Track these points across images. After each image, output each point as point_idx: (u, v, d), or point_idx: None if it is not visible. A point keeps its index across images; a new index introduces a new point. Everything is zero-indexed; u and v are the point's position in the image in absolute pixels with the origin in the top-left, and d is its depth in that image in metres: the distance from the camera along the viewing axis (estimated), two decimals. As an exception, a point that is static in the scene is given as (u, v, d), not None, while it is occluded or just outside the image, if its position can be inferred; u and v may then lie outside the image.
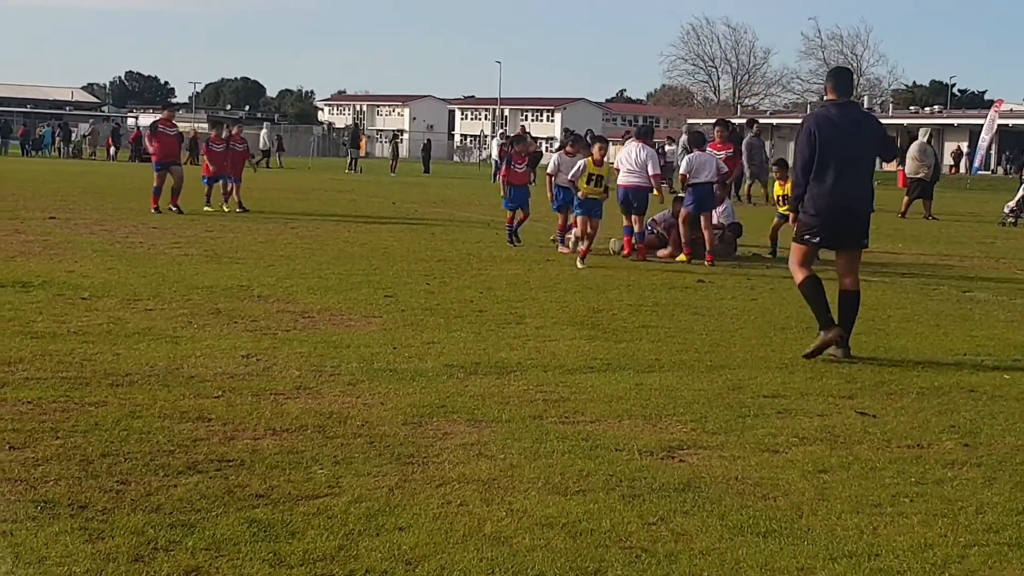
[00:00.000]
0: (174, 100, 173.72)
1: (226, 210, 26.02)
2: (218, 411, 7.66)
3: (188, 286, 13.37)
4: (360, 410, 7.87)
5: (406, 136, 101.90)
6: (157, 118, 27.55)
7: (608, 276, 15.89)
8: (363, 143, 71.10)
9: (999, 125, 65.26)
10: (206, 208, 26.02)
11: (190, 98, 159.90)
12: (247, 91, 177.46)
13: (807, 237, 10.69)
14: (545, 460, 6.82)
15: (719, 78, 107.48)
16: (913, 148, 30.73)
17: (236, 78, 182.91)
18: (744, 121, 43.15)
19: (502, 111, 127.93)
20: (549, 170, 19.62)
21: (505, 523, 5.70)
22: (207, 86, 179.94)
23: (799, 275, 10.77)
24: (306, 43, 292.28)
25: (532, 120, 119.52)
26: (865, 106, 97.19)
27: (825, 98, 11.12)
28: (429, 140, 79.70)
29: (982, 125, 62.20)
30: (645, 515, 5.89)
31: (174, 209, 24.77)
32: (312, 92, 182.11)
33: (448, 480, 6.37)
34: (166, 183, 25.10)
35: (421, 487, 6.24)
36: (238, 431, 7.22)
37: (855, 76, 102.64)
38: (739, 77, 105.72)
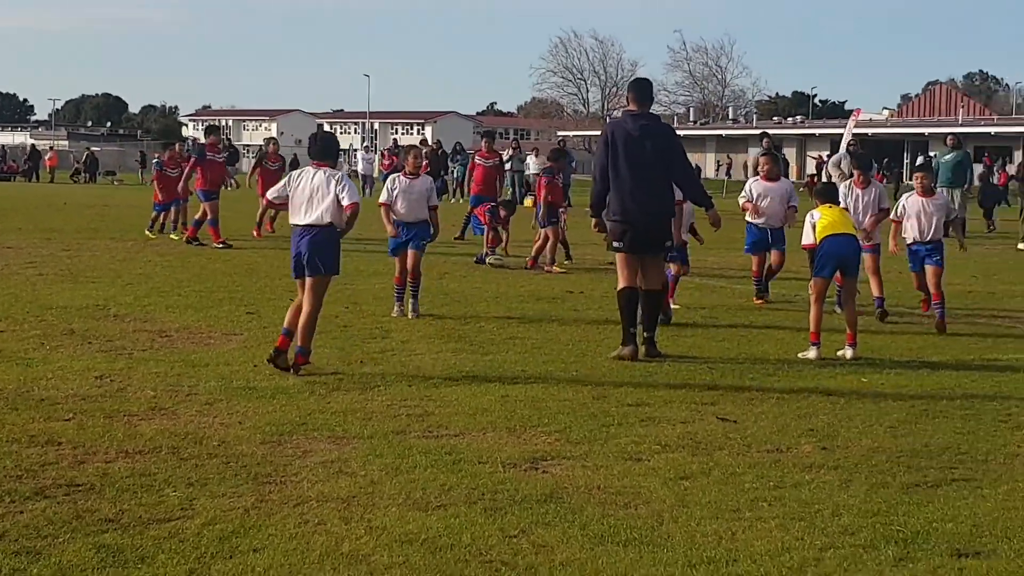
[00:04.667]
0: (33, 117, 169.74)
1: (174, 237, 23.40)
2: (69, 434, 7.43)
3: (41, 306, 12.99)
4: (217, 430, 7.70)
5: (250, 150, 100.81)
6: (203, 143, 24.20)
7: (476, 289, 15.84)
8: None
9: (859, 135, 66.79)
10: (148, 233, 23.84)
11: (50, 115, 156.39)
12: (109, 107, 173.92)
13: (615, 244, 11.02)
14: (407, 475, 6.73)
15: (588, 90, 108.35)
16: (833, 159, 30.66)
17: (97, 94, 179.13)
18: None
19: (372, 124, 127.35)
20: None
21: (364, 541, 5.60)
22: (67, 103, 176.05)
23: (619, 283, 11.06)
24: (169, 58, 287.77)
25: (403, 133, 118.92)
26: (730, 117, 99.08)
27: (625, 108, 11.39)
28: (296, 155, 78.79)
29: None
30: (506, 528, 5.84)
31: (193, 243, 22.04)
32: (176, 107, 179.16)
33: (306, 499, 6.25)
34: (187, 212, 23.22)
35: (278, 507, 6.11)
36: (89, 454, 7.01)
37: (720, 87, 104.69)
38: (607, 89, 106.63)
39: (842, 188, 13.79)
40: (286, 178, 10.06)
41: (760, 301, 14.96)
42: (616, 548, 5.58)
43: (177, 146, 26.89)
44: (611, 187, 10.90)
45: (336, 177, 9.72)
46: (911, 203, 13.21)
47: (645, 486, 6.64)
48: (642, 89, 11.32)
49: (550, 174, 19.18)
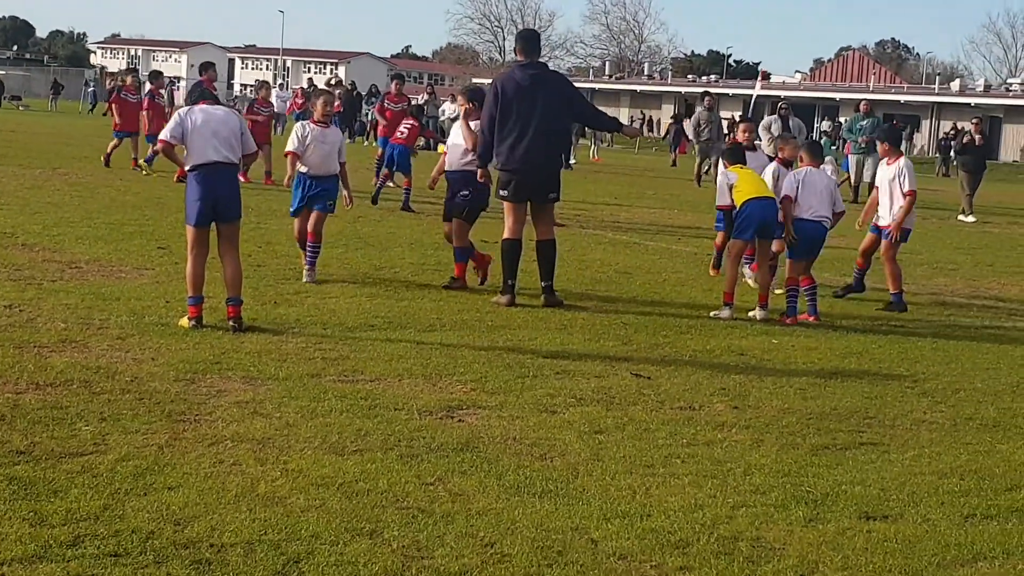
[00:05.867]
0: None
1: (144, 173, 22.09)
2: (-24, 364, 7.28)
3: (-53, 232, 12.69)
4: (129, 365, 7.60)
5: (182, 83, 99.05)
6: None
7: (391, 234, 15.76)
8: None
9: (771, 97, 67.41)
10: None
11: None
12: (16, 31, 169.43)
13: (501, 193, 11.17)
14: (322, 419, 6.71)
15: (505, 39, 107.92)
16: (763, 122, 30.50)
17: (4, 17, 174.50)
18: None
19: (284, 62, 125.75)
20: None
21: (279, 483, 5.58)
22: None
23: (504, 233, 11.19)
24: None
25: (316, 72, 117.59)
26: (645, 73, 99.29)
27: (514, 59, 11.63)
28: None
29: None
30: (423, 475, 5.85)
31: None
32: (84, 34, 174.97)
33: (221, 439, 6.21)
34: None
35: (192, 446, 6.06)
36: (-2, 385, 6.88)
37: (637, 43, 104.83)
38: (516, 36, 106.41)
39: (881, 169, 12.73)
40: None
41: (717, 272, 13.74)
42: (532, 499, 5.62)
43: (130, 78, 25.54)
44: (498, 137, 11.00)
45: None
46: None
47: (560, 439, 6.69)
48: (529, 40, 11.56)
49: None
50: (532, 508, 5.50)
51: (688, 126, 31.88)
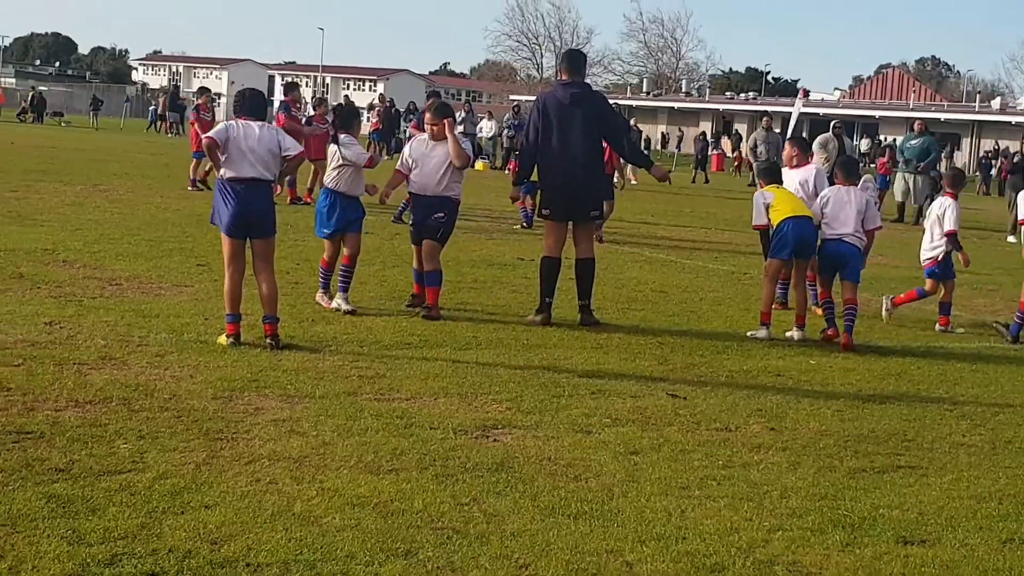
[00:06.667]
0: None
1: None
2: (18, 380, 7.35)
3: (-11, 248, 12.83)
4: (168, 383, 7.65)
5: (223, 100, 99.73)
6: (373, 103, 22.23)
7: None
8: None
9: (809, 115, 67.19)
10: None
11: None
12: (58, 47, 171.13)
13: (544, 212, 11.18)
14: (358, 438, 6.73)
15: (542, 55, 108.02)
16: (818, 140, 30.24)
17: (47, 33, 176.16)
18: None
19: (323, 78, 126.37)
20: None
21: (315, 502, 5.60)
22: (15, 40, 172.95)
23: (544, 251, 11.21)
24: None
25: (355, 89, 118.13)
26: (683, 90, 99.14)
27: (558, 78, 11.56)
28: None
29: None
30: (458, 495, 5.86)
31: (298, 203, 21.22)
32: (126, 51, 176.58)
33: (258, 457, 6.23)
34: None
35: (230, 464, 6.09)
36: (39, 402, 6.94)
37: (674, 60, 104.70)
38: (561, 55, 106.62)
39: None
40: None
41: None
42: (567, 521, 5.61)
43: (204, 96, 25.03)
44: (540, 156, 11.02)
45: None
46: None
47: (595, 459, 6.68)
48: (574, 59, 11.54)
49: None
50: (567, 530, 5.49)
51: (744, 146, 31.13)
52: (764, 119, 29.76)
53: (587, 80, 11.46)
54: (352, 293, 11.20)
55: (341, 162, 10.90)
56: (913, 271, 17.61)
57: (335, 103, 42.02)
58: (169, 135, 55.38)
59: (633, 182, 36.12)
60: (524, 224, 19.48)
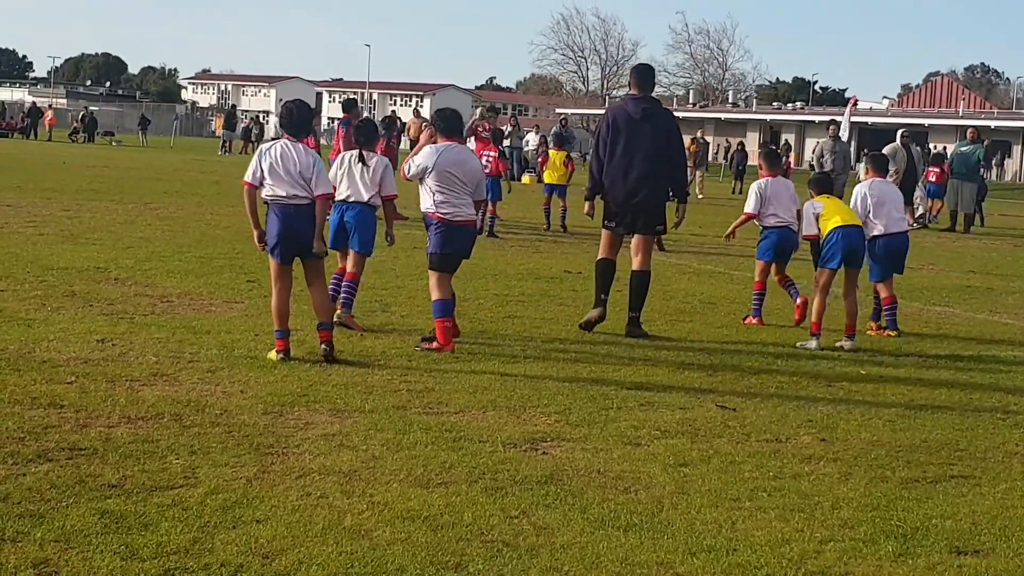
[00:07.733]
0: (32, 74, 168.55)
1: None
2: (71, 397, 7.44)
3: (42, 267, 12.99)
4: (219, 398, 7.71)
5: (272, 118, 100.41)
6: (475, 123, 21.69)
7: (475, 265, 15.80)
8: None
9: (858, 123, 66.85)
10: None
11: (49, 73, 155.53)
12: (108, 67, 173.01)
13: (607, 223, 11.23)
14: (408, 452, 6.75)
15: (588, 68, 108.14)
16: (886, 150, 29.75)
17: (97, 53, 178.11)
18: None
19: (371, 95, 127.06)
20: None
21: (365, 516, 5.62)
22: (67, 60, 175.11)
23: (599, 253, 11.32)
24: (170, 19, 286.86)
25: (401, 104, 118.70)
26: (729, 101, 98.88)
27: (628, 92, 11.64)
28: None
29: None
30: (507, 508, 5.86)
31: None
32: (176, 70, 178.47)
33: (308, 471, 6.27)
34: None
35: (280, 478, 6.13)
36: (91, 418, 7.02)
37: (721, 71, 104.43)
38: (607, 68, 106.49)
39: None
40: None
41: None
42: (616, 533, 5.61)
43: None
44: (607, 169, 11.10)
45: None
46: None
47: (645, 471, 6.66)
48: (644, 74, 11.55)
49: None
50: (617, 542, 5.48)
51: (813, 156, 30.43)
52: (831, 127, 28.98)
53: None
54: (402, 307, 11.23)
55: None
56: (966, 279, 17.46)
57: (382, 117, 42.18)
58: (220, 153, 55.81)
59: (700, 196, 36.08)
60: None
